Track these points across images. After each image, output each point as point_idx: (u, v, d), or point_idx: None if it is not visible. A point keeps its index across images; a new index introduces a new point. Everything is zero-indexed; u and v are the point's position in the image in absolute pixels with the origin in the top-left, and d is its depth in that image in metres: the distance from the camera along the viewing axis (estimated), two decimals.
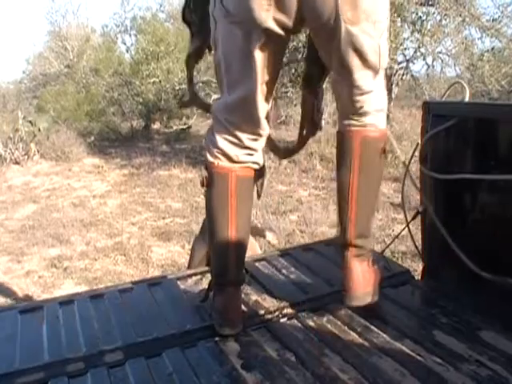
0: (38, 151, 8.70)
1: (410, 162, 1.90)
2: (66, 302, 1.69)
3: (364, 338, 1.40)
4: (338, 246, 2.06)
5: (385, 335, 1.40)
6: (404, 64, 8.19)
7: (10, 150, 8.34)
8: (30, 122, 8.97)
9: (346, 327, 1.46)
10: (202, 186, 1.47)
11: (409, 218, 1.85)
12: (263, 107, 1.42)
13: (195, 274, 1.87)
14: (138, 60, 10.84)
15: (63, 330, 1.50)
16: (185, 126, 9.35)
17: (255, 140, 1.45)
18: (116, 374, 1.30)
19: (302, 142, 1.72)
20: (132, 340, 1.43)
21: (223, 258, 1.47)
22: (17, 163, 8.37)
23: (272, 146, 1.74)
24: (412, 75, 8.56)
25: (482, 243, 1.56)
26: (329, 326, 1.48)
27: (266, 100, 1.42)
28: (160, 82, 10.13)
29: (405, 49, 7.89)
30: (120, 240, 5.06)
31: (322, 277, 1.78)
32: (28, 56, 18.34)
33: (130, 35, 11.96)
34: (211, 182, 1.45)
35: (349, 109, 1.43)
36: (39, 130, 8.91)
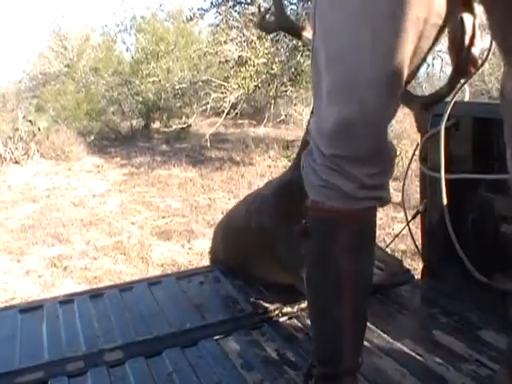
0: (38, 151, 8.70)
1: (410, 161, 1.90)
2: (66, 301, 1.69)
3: (364, 337, 1.39)
4: None
5: (385, 335, 1.40)
6: None
7: (10, 149, 8.33)
8: (30, 121, 8.97)
9: None
10: (303, 236, 1.02)
11: (409, 217, 1.85)
12: (389, 123, 0.95)
13: (195, 274, 1.87)
14: (137, 59, 10.85)
15: (63, 329, 1.50)
16: (184, 125, 9.34)
17: (378, 175, 0.96)
18: (116, 373, 1.30)
19: (450, 84, 1.21)
20: (132, 339, 1.43)
21: (334, 341, 1.03)
22: (16, 163, 8.36)
23: (406, 96, 1.22)
24: None
25: (482, 243, 1.56)
26: None
27: (394, 111, 0.95)
28: (160, 81, 10.14)
29: None
30: (120, 239, 5.05)
31: None
32: (28, 55, 18.35)
33: (130, 34, 11.97)
34: (314, 231, 0.99)
35: None
36: (39, 129, 8.90)
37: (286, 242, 1.54)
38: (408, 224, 1.85)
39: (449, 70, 1.16)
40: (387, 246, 2.32)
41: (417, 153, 1.79)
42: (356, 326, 1.04)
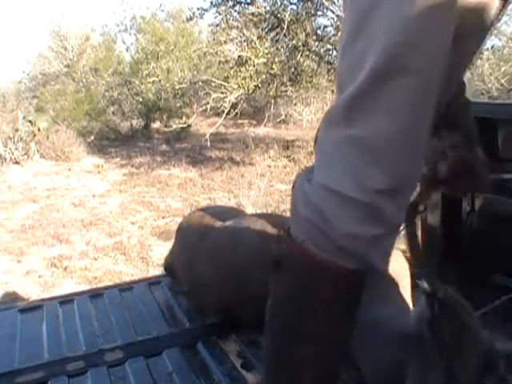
0: (38, 151, 8.70)
1: None
2: (66, 301, 1.69)
3: None
4: None
5: None
6: None
7: (10, 149, 8.34)
8: (30, 121, 8.97)
9: None
10: (275, 266, 0.80)
11: None
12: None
13: None
14: (137, 59, 10.86)
15: (63, 329, 1.50)
16: (184, 125, 9.35)
17: (391, 196, 0.70)
18: (116, 373, 1.30)
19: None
20: (132, 339, 1.43)
21: None
22: (17, 163, 8.37)
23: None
24: None
25: (481, 243, 1.56)
26: None
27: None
28: (160, 81, 10.15)
29: None
30: (120, 239, 5.05)
31: None
32: (28, 55, 18.35)
33: (130, 34, 11.97)
34: (287, 272, 0.78)
35: None
36: (39, 129, 8.90)
37: None
38: (408, 224, 1.85)
39: None
40: None
41: None
42: None
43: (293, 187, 0.79)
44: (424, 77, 0.68)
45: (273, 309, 0.81)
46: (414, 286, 1.19)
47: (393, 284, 1.17)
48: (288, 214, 0.79)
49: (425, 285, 0.92)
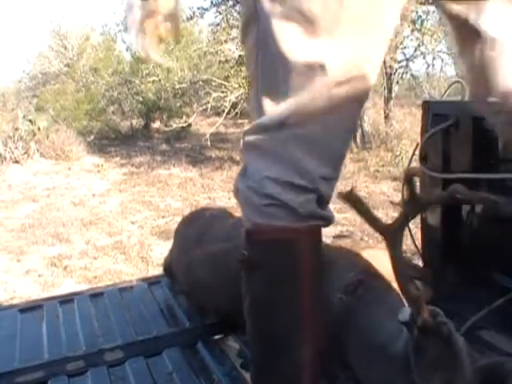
0: (38, 150, 8.70)
1: (410, 161, 1.90)
2: (66, 300, 1.69)
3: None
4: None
5: None
6: (404, 63, 8.21)
7: (10, 148, 8.34)
8: (30, 120, 8.97)
9: None
10: (244, 269, 0.87)
11: None
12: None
13: None
14: (137, 59, 10.85)
15: (63, 329, 1.50)
16: (185, 125, 9.35)
17: (329, 180, 0.85)
18: (116, 372, 1.30)
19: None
20: (132, 339, 1.43)
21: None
22: (16, 162, 8.37)
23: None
24: (412, 74, 8.58)
25: (481, 243, 1.56)
26: None
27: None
28: (160, 80, 10.15)
29: (405, 47, 7.93)
30: (120, 239, 5.05)
31: None
32: (28, 55, 18.33)
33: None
34: (260, 260, 0.84)
35: None
36: (39, 128, 8.91)
37: None
38: (408, 224, 1.85)
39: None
40: None
41: (417, 153, 1.79)
42: (316, 361, 0.88)
43: (235, 192, 0.89)
44: (363, 100, 0.86)
45: (256, 302, 0.88)
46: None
47: (385, 284, 1.19)
48: None
49: (404, 313, 0.91)
